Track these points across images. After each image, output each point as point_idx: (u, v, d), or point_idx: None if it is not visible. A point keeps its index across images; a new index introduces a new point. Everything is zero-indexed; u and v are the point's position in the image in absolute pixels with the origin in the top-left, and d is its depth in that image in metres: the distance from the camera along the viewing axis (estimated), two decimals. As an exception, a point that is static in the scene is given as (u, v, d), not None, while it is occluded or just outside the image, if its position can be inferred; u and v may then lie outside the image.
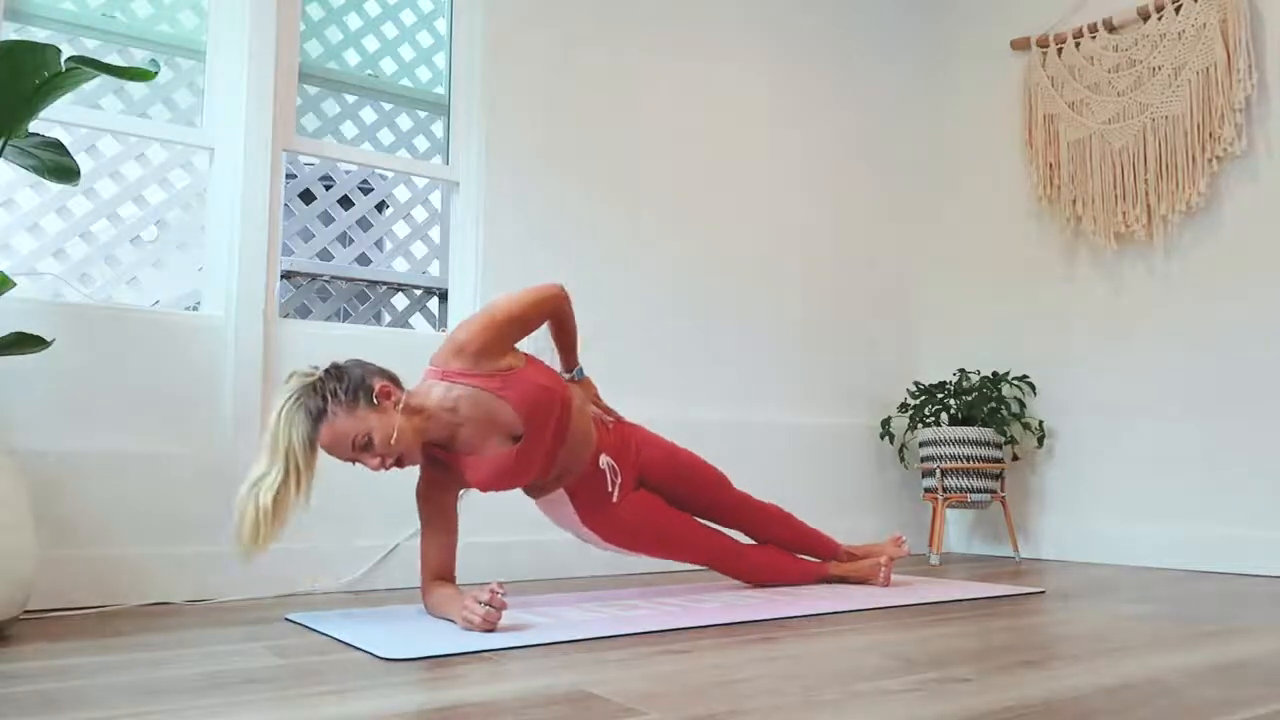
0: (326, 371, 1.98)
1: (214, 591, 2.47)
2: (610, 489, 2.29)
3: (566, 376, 2.35)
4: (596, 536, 2.35)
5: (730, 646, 1.72)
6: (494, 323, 2.10)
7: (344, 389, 1.95)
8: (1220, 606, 2.25)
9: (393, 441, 1.97)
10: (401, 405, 2.00)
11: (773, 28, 3.78)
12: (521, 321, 2.15)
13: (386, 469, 2.00)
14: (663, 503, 2.41)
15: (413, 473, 2.17)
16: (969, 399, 3.55)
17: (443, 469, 2.14)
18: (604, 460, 2.29)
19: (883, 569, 2.55)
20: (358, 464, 1.99)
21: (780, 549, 2.58)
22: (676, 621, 1.96)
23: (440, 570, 2.10)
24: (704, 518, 2.50)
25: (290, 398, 1.90)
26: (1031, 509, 3.65)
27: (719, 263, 3.53)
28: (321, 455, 1.95)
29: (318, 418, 1.91)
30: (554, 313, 2.26)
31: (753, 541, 2.59)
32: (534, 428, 2.10)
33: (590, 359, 3.02)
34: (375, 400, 1.97)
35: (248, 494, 1.81)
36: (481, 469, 2.11)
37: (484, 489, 2.16)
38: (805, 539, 2.61)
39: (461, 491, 2.20)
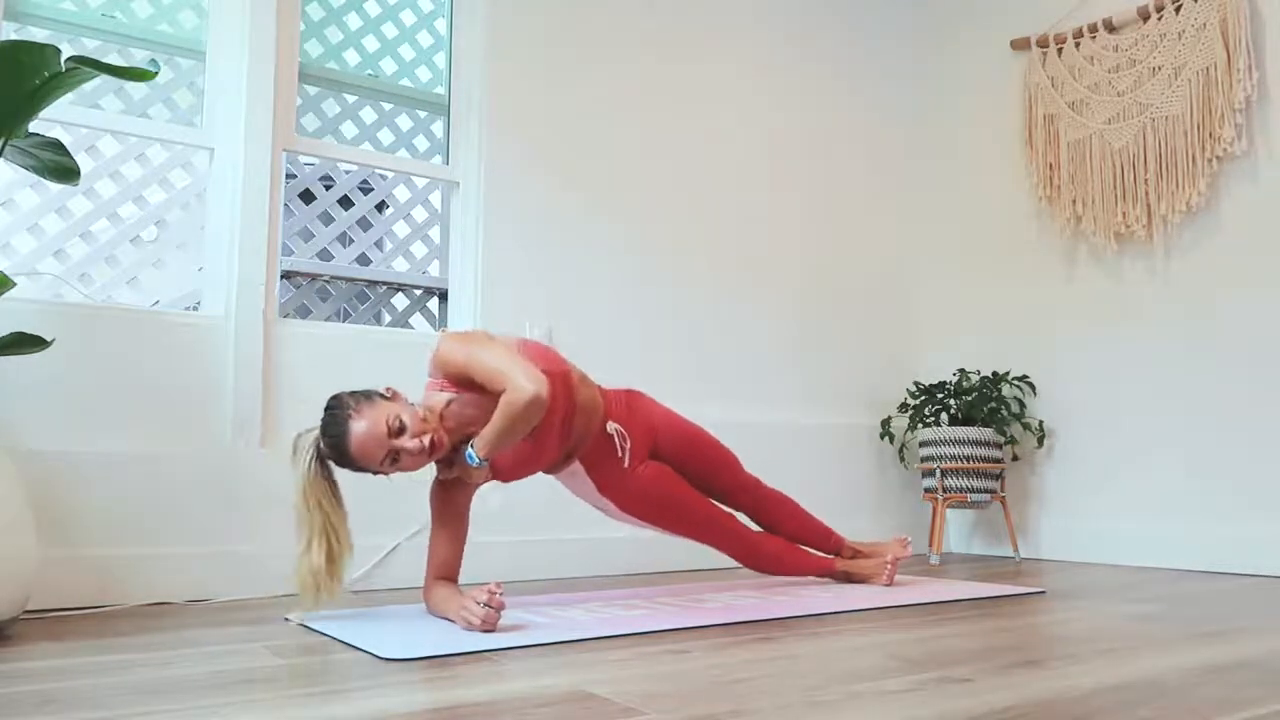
0: (329, 404, 2.00)
1: (214, 591, 2.47)
2: (620, 454, 2.29)
3: (474, 459, 2.01)
4: (613, 505, 2.35)
5: (730, 646, 1.72)
6: (467, 368, 2.05)
7: (356, 394, 2.00)
8: (1220, 606, 2.25)
9: (422, 417, 1.99)
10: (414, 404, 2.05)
11: (772, 28, 3.78)
12: (473, 375, 2.04)
13: (428, 452, 1.97)
14: (679, 477, 2.40)
15: (421, 475, 2.17)
16: (969, 399, 3.55)
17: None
18: (611, 426, 2.30)
19: (887, 569, 2.55)
20: (397, 462, 1.97)
21: (790, 542, 2.58)
22: (676, 621, 1.96)
23: (445, 569, 2.11)
24: (712, 495, 2.50)
25: (306, 459, 1.96)
26: (1031, 509, 3.65)
27: (719, 262, 3.53)
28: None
29: (340, 438, 1.94)
30: (513, 405, 1.98)
31: (758, 527, 2.59)
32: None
33: (589, 359, 3.02)
34: (387, 396, 2.03)
35: (300, 565, 1.94)
36: (502, 461, 2.12)
37: (507, 480, 2.18)
38: (811, 530, 2.62)
39: (477, 489, 2.19)
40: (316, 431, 2.00)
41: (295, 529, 1.97)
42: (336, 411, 1.97)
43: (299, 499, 1.96)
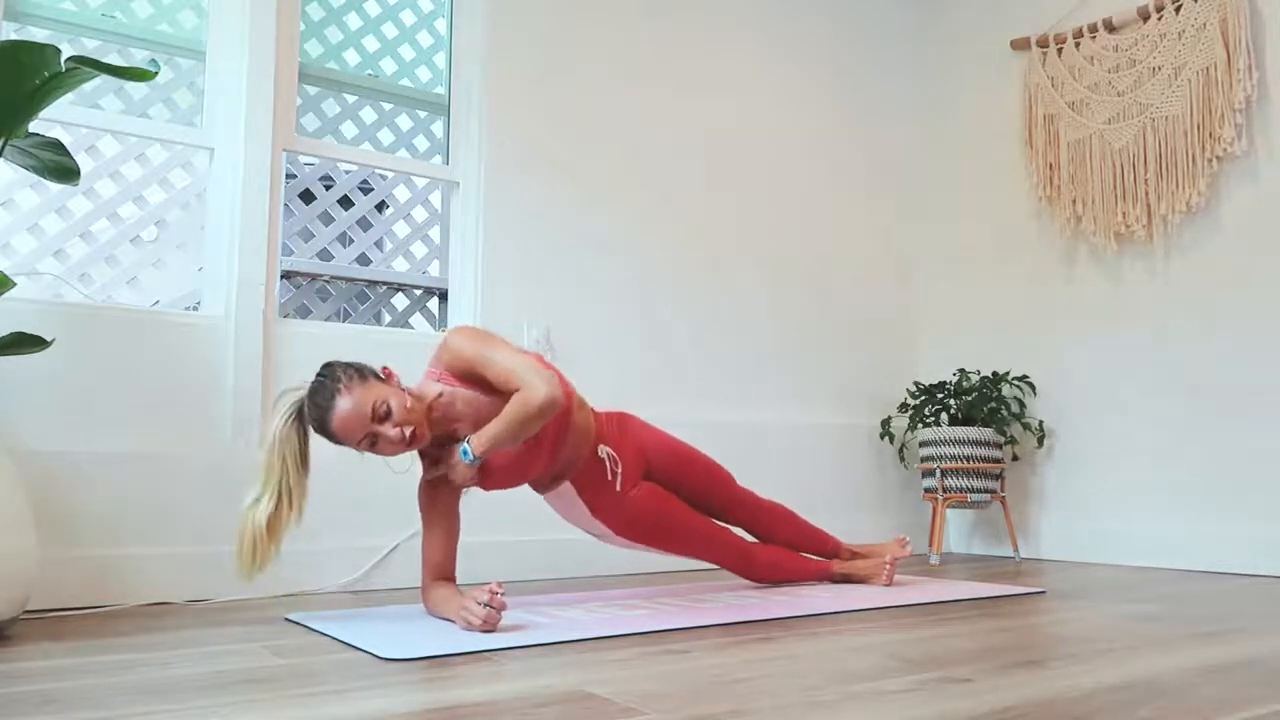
0: (322, 371, 1.98)
1: (214, 591, 2.47)
2: (611, 478, 2.28)
3: (468, 455, 2.01)
4: (607, 529, 2.34)
5: (730, 646, 1.72)
6: (477, 362, 2.04)
7: (350, 369, 1.98)
8: (1220, 606, 2.25)
9: (409, 406, 1.97)
10: (406, 389, 2.03)
11: (773, 28, 3.78)
12: (484, 371, 2.03)
13: (406, 442, 1.95)
14: (672, 496, 2.40)
15: (413, 472, 2.17)
16: (969, 399, 3.55)
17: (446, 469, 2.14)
18: (602, 450, 2.29)
19: (886, 569, 2.55)
20: (375, 445, 1.95)
21: (786, 549, 2.58)
22: (676, 621, 1.96)
23: (440, 570, 2.10)
24: (707, 513, 2.49)
25: (283, 416, 1.93)
26: (1031, 509, 3.65)
27: (719, 263, 3.53)
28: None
29: (325, 410, 1.92)
30: (527, 404, 1.98)
31: (755, 539, 2.59)
32: None
33: (590, 359, 3.02)
34: (381, 376, 2.01)
35: (244, 517, 1.87)
36: (493, 463, 2.10)
37: (490, 487, 2.16)
38: (808, 537, 2.61)
39: (464, 490, 2.19)
40: (303, 392, 1.97)
41: (254, 479, 1.91)
42: (327, 381, 1.95)
43: (266, 450, 1.91)
